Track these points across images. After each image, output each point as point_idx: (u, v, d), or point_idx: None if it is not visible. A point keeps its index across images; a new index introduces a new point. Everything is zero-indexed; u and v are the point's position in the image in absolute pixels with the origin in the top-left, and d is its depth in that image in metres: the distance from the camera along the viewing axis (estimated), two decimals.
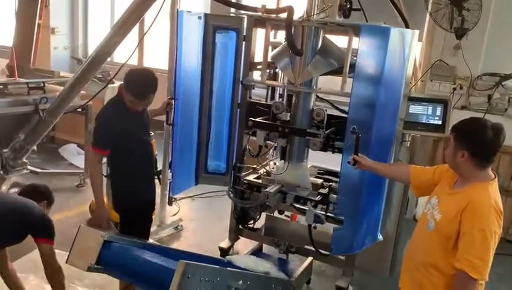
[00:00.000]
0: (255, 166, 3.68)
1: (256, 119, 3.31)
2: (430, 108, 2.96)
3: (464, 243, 2.01)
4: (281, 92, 4.21)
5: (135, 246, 2.22)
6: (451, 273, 2.07)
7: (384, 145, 2.87)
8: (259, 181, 3.47)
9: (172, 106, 3.35)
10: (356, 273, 3.57)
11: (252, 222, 3.91)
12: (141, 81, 2.98)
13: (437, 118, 2.95)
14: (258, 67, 3.65)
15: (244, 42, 3.48)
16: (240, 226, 3.89)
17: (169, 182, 3.38)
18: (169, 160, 4.13)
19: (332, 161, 3.97)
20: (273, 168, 3.59)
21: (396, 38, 2.66)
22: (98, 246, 2.06)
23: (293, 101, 3.24)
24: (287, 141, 3.24)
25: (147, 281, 2.06)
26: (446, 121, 2.92)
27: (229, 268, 2.39)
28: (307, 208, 3.15)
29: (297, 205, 3.30)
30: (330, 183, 3.35)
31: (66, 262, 2.34)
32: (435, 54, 5.30)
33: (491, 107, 5.15)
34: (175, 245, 4.07)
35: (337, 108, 3.50)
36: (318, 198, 3.20)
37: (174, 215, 4.51)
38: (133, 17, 3.84)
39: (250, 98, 3.63)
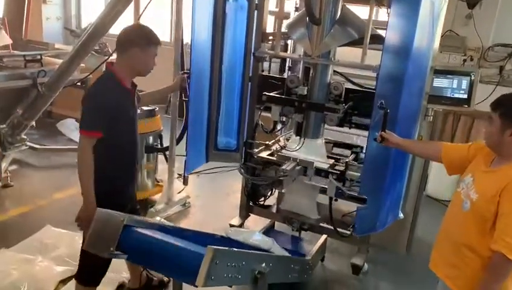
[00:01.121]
0: (267, 142, 3.55)
1: (271, 94, 3.16)
2: (455, 81, 2.83)
3: (502, 223, 1.91)
4: (289, 65, 4.06)
5: (155, 229, 2.10)
6: (487, 255, 1.98)
7: (410, 120, 2.75)
8: (273, 158, 3.34)
9: (188, 81, 3.17)
10: (371, 250, 3.50)
11: (262, 199, 3.84)
12: (143, 28, 2.58)
13: (462, 92, 2.82)
14: (270, 38, 3.49)
15: (256, 11, 3.30)
16: (251, 203, 3.80)
17: (185, 160, 3.23)
18: (177, 136, 4.02)
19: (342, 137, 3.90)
20: (285, 144, 3.46)
21: (427, 6, 2.50)
22: (117, 231, 1.94)
23: (311, 74, 3.08)
24: (304, 116, 3.10)
25: (170, 266, 1.95)
26: (472, 95, 2.80)
27: (252, 251, 2.28)
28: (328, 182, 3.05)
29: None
30: (347, 160, 3.23)
31: (83, 248, 2.22)
32: (446, 24, 5.09)
33: (503, 79, 5.02)
34: (183, 223, 3.97)
35: (352, 82, 3.36)
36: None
37: (180, 192, 4.39)
38: None
39: (263, 71, 3.47)
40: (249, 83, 3.45)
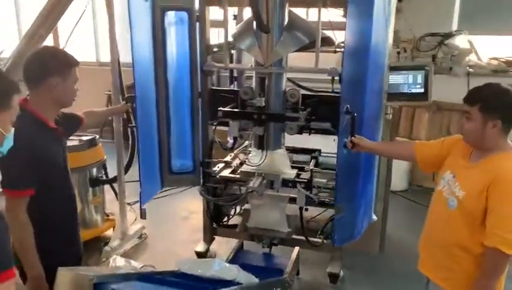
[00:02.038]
0: (226, 159, 3.37)
1: (227, 109, 2.98)
2: (410, 76, 2.81)
3: (493, 218, 1.88)
4: (235, 75, 3.90)
5: (130, 280, 1.85)
6: (479, 252, 1.94)
7: (374, 121, 2.69)
8: (237, 176, 3.16)
9: (134, 105, 2.91)
10: (344, 254, 3.43)
11: (226, 219, 3.65)
12: (57, 50, 2.33)
13: (419, 86, 2.82)
14: (215, 50, 3.31)
15: (197, 23, 3.11)
16: (215, 225, 3.59)
17: (139, 191, 2.96)
18: (125, 164, 3.72)
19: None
20: (245, 158, 3.30)
21: (380, 4, 2.45)
22: None
23: (266, 84, 2.93)
24: (264, 128, 2.96)
25: None
26: (428, 88, 2.79)
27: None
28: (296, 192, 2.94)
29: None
30: (311, 168, 3.13)
31: None
32: None
33: (437, 66, 5.19)
34: (143, 257, 3.68)
35: (303, 87, 3.28)
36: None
37: (133, 223, 4.08)
38: (60, 6, 3.30)
39: (213, 85, 3.28)
40: (199, 99, 3.25)
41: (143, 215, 3.07)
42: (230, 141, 3.97)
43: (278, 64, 2.93)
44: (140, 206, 3.03)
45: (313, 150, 3.72)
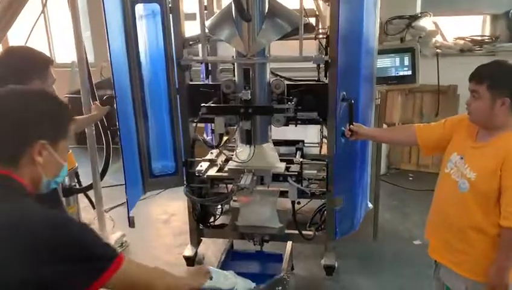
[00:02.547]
0: (210, 157, 3.21)
1: (210, 104, 2.82)
2: (397, 59, 2.77)
3: (508, 197, 1.83)
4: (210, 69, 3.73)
5: None
6: (495, 233, 1.90)
7: (367, 107, 2.61)
8: (224, 174, 3.01)
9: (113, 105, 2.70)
10: (337, 244, 3.36)
11: (212, 219, 3.50)
12: (31, 50, 2.05)
13: (406, 69, 2.77)
14: (191, 43, 3.13)
15: (171, 15, 2.93)
16: (201, 227, 3.44)
17: (126, 199, 2.77)
18: (100, 170, 3.49)
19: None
20: (231, 155, 3.16)
21: None
22: None
23: (251, 75, 2.79)
24: (251, 122, 2.82)
25: None
26: (416, 70, 2.75)
27: None
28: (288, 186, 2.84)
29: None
30: (301, 160, 3.03)
31: None
32: None
33: None
34: None
35: (283, 78, 3.15)
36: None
37: (112, 231, 3.85)
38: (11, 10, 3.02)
39: (191, 80, 3.10)
40: (177, 96, 3.07)
41: (131, 223, 2.88)
42: (208, 137, 3.83)
43: (261, 54, 2.79)
44: (128, 215, 2.85)
45: (297, 141, 3.63)
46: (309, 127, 3.91)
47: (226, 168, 3.02)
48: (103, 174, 3.48)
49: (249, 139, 2.89)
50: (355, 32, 2.34)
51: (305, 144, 3.61)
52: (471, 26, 5.67)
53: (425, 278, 3.19)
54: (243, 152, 2.94)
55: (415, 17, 5.16)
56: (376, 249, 3.45)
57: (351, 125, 2.26)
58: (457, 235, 2.00)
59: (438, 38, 5.35)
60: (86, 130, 3.29)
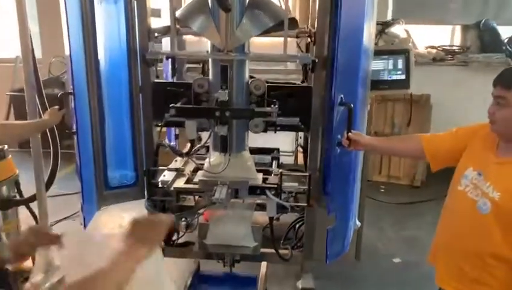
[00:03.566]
0: (175, 166, 2.82)
1: (181, 105, 2.44)
2: (391, 61, 2.51)
3: None
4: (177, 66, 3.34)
5: None
6: None
7: (361, 114, 2.32)
8: (194, 186, 2.63)
9: (69, 106, 2.26)
10: (315, 264, 3.05)
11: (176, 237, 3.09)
12: None
13: (399, 72, 2.52)
14: (156, 35, 2.74)
15: (135, 2, 2.53)
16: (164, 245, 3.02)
17: (83, 216, 2.33)
18: (45, 179, 3.00)
19: None
20: (201, 164, 2.78)
21: None
22: None
23: (229, 74, 2.43)
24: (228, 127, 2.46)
25: None
26: (410, 75, 2.50)
27: None
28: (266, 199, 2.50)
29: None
30: (281, 170, 2.70)
31: None
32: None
33: None
34: None
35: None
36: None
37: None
38: None
39: (158, 77, 2.71)
40: (140, 95, 2.67)
41: None
42: (172, 143, 3.45)
43: (239, 50, 2.45)
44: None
45: (272, 150, 3.32)
46: (281, 134, 3.61)
47: (196, 180, 2.63)
48: (49, 183, 2.99)
49: (224, 146, 2.52)
50: (355, 30, 2.05)
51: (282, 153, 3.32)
52: (440, 36, 5.61)
53: None
54: (215, 161, 2.57)
55: (387, 24, 5.04)
56: (355, 268, 3.17)
57: (350, 134, 1.96)
58: (474, 263, 1.74)
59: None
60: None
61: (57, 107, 2.27)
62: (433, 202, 4.52)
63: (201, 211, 2.52)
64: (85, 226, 2.42)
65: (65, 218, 3.94)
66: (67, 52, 2.27)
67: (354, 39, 2.07)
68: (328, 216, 2.25)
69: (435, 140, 1.95)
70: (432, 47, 5.18)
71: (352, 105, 1.96)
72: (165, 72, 3.46)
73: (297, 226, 3.30)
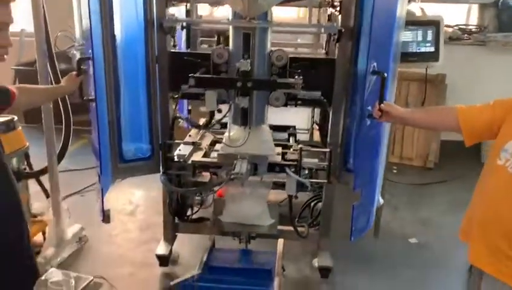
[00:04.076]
0: (194, 140, 2.74)
1: (200, 75, 2.34)
2: (419, 32, 2.39)
3: None
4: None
5: None
6: None
7: (392, 88, 2.22)
8: (213, 160, 2.55)
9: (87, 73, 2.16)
10: (332, 242, 2.98)
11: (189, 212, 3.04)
12: None
13: (429, 44, 2.41)
14: (174, 2, 2.64)
15: None
16: (177, 220, 2.96)
17: (101, 187, 2.25)
18: (58, 151, 2.92)
19: None
20: (219, 138, 2.69)
21: None
22: None
23: (251, 42, 2.32)
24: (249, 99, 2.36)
25: None
26: (439, 47, 2.40)
27: None
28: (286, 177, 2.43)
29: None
30: (300, 146, 2.62)
31: None
32: None
33: None
34: (87, 267, 2.92)
35: None
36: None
37: (68, 224, 3.28)
38: None
39: (175, 46, 2.61)
40: (156, 65, 2.57)
41: (106, 218, 2.35)
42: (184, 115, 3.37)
43: (263, 17, 2.34)
44: (103, 207, 2.32)
45: (288, 127, 3.24)
46: (295, 111, 3.53)
47: (214, 154, 2.56)
48: (61, 156, 2.91)
49: (244, 119, 2.43)
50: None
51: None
52: (456, 15, 5.46)
53: (429, 282, 2.91)
54: (235, 135, 2.48)
55: None
56: (371, 248, 3.12)
57: (382, 104, 1.86)
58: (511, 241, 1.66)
59: None
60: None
61: (74, 73, 2.18)
62: (446, 183, 4.48)
63: (216, 188, 2.42)
64: (102, 199, 2.34)
65: (73, 193, 3.87)
66: (85, 18, 2.15)
67: (387, 7, 1.96)
68: (353, 192, 2.16)
69: (471, 112, 1.85)
70: (448, 26, 5.04)
71: (385, 74, 1.86)
72: (179, 45, 3.35)
73: (312, 204, 3.22)
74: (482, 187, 1.81)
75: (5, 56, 1.58)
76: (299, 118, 3.68)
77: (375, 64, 1.88)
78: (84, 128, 3.96)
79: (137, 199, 3.93)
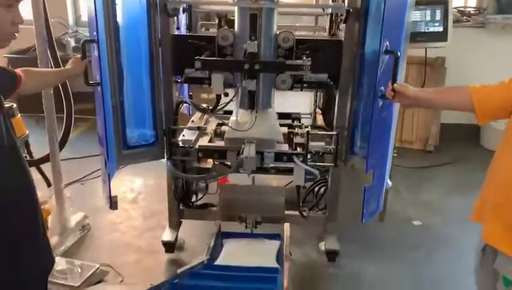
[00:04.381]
0: (197, 125, 2.70)
1: (206, 58, 2.30)
2: (428, 12, 2.36)
3: None
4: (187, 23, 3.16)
5: None
6: None
7: (402, 69, 2.19)
8: (220, 145, 2.52)
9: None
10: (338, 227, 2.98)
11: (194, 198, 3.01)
12: None
13: (437, 24, 2.38)
14: None
15: None
16: (182, 206, 2.93)
17: (107, 173, 2.21)
18: (59, 138, 2.87)
19: None
20: (226, 122, 2.66)
21: None
22: None
23: (258, 23, 2.28)
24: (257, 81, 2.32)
25: None
26: (448, 27, 2.37)
27: None
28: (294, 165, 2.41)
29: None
30: (307, 129, 2.59)
31: None
32: None
33: None
34: (92, 255, 2.89)
35: None
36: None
37: (71, 212, 3.24)
38: None
39: (179, 28, 2.55)
40: (159, 49, 2.51)
41: (114, 205, 2.31)
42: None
43: None
44: (110, 193, 2.28)
45: (293, 114, 3.22)
46: (292, 98, 3.50)
47: (223, 138, 2.52)
48: (63, 143, 2.86)
49: (251, 102, 2.40)
50: None
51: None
52: None
53: (436, 263, 2.92)
54: (242, 118, 2.45)
55: None
56: (376, 231, 3.12)
57: (395, 84, 1.84)
58: None
59: None
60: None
61: (79, 56, 2.12)
62: (446, 166, 4.49)
63: (221, 176, 2.40)
64: (109, 186, 2.30)
65: (74, 182, 3.82)
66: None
67: None
68: (365, 174, 2.15)
69: (484, 92, 1.82)
70: None
71: (398, 53, 1.83)
72: (179, 26, 3.29)
73: (316, 189, 3.21)
74: (496, 168, 1.79)
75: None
76: (300, 104, 3.65)
77: (387, 43, 1.84)
78: (81, 116, 3.90)
79: (138, 186, 3.89)
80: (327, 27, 3.10)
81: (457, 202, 3.76)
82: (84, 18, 5.89)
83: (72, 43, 5.30)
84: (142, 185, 3.90)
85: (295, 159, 2.40)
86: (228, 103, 2.38)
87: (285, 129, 2.67)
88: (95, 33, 2.05)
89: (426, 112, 4.84)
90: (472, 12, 5.01)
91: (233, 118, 2.50)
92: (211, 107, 2.48)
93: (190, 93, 3.60)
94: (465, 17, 4.89)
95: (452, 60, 4.74)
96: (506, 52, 4.68)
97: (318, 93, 3.41)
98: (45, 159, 2.88)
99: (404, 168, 4.34)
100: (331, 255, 2.83)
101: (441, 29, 2.39)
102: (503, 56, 4.64)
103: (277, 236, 2.70)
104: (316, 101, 3.52)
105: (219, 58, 2.32)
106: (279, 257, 2.49)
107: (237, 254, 2.48)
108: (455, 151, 4.72)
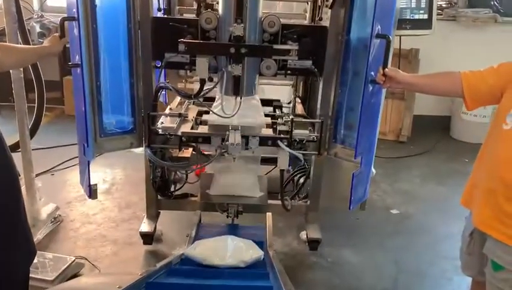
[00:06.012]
0: (174, 111, 2.61)
1: (191, 40, 2.21)
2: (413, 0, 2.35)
3: None
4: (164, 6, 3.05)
5: None
6: None
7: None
8: (203, 132, 2.44)
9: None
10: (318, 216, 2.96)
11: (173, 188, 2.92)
12: None
13: (422, 12, 2.38)
14: None
15: None
16: (160, 197, 2.84)
17: (87, 162, 2.10)
18: (30, 125, 2.72)
19: None
20: (209, 109, 2.57)
21: None
22: None
23: (244, 5, 2.20)
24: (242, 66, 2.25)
25: None
26: (432, 15, 2.37)
27: None
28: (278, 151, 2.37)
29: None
30: (292, 117, 2.55)
31: None
32: None
33: None
34: (65, 247, 2.76)
35: None
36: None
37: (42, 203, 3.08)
38: None
39: (160, 10, 2.45)
40: (139, 31, 2.40)
41: (93, 194, 2.20)
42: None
43: None
44: (89, 181, 2.16)
45: (274, 100, 3.17)
46: (270, 87, 3.47)
47: (203, 126, 2.45)
48: (34, 130, 2.71)
49: (236, 88, 2.33)
50: None
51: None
52: None
53: (415, 250, 2.95)
54: (226, 105, 2.37)
55: None
56: (354, 219, 3.14)
57: (386, 69, 1.82)
58: None
59: None
60: (11, 73, 2.50)
61: (57, 34, 1.99)
62: (420, 156, 4.57)
63: (205, 164, 2.33)
64: (89, 173, 2.19)
65: (43, 172, 3.65)
66: None
67: None
68: (354, 160, 2.13)
69: (475, 77, 1.83)
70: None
71: (390, 37, 1.81)
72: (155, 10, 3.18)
73: (296, 178, 3.18)
74: (486, 153, 1.80)
75: None
76: (279, 93, 3.61)
77: (379, 27, 1.82)
78: (47, 105, 3.73)
79: (111, 177, 3.75)
80: (308, 14, 3.07)
81: (432, 190, 3.83)
82: (50, 3, 5.64)
83: (37, 29, 5.05)
84: (115, 176, 3.77)
85: (280, 143, 2.36)
86: (212, 88, 2.30)
87: (268, 119, 2.63)
88: (74, 10, 1.92)
89: (400, 104, 4.90)
90: (444, 5, 5.10)
91: (216, 104, 2.43)
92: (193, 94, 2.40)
93: (167, 81, 3.49)
94: (437, 10, 4.97)
95: (425, 52, 4.82)
96: (476, 44, 4.79)
97: (297, 82, 3.38)
98: (15, 147, 2.72)
99: (380, 158, 4.38)
100: (313, 244, 2.81)
101: (425, 16, 2.39)
102: (474, 49, 4.75)
103: (260, 227, 2.66)
104: (296, 89, 3.49)
105: (203, 41, 2.24)
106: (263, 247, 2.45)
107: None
108: (427, 142, 4.82)
